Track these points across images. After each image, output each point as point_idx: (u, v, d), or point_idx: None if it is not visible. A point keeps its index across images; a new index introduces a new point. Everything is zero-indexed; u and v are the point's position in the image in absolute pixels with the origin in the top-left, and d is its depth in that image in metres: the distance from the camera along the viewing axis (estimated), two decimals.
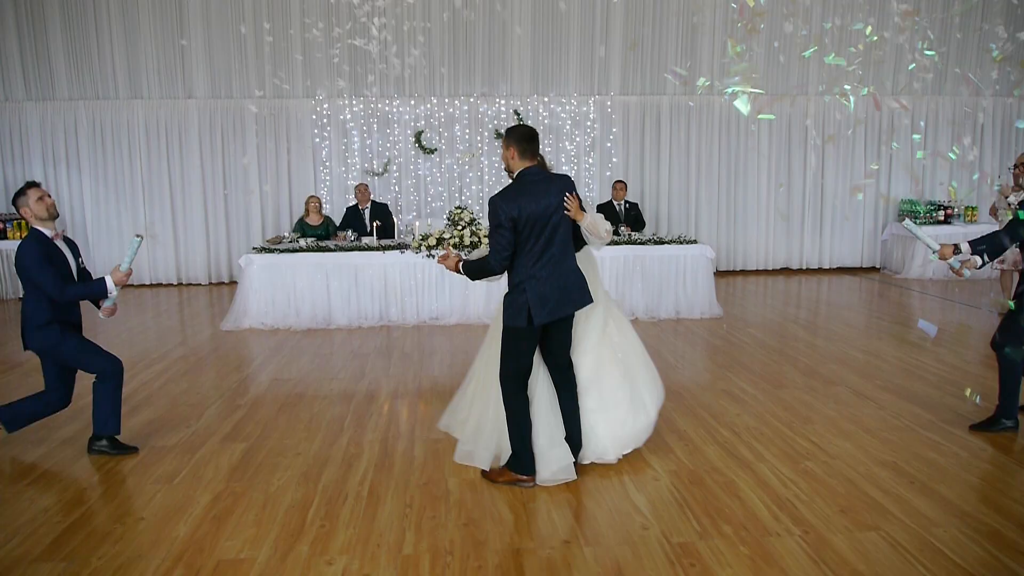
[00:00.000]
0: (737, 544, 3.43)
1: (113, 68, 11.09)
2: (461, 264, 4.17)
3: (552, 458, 4.07)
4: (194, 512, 3.86)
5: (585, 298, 4.10)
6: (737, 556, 3.33)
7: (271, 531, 3.64)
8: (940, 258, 4.67)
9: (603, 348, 4.34)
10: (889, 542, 3.43)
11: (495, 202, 3.91)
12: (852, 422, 5.02)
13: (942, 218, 11.25)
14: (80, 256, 4.72)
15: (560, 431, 4.15)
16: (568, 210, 3.99)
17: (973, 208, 11.49)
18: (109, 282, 4.51)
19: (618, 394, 4.30)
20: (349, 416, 5.33)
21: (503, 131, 10.62)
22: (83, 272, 4.70)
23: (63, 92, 11.13)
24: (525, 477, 4.05)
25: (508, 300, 3.99)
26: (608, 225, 4.15)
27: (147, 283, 11.53)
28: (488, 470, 4.21)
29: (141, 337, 8.16)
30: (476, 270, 4.13)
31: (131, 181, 11.29)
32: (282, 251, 8.37)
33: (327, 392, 5.92)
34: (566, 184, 4.07)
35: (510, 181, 4.06)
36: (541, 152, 4.22)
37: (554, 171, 4.31)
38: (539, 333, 4.03)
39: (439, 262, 4.31)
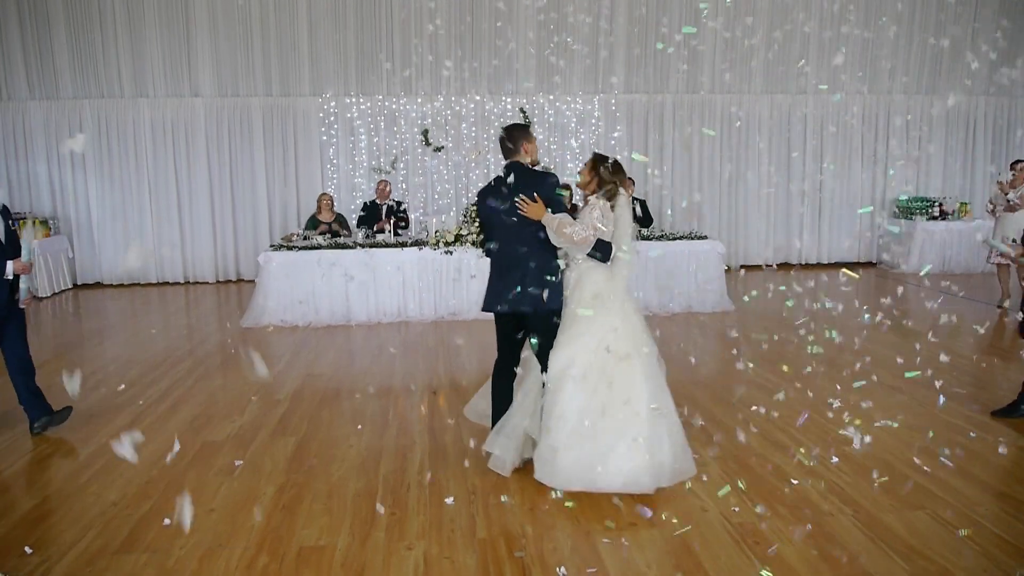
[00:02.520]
0: (794, 523, 3.61)
1: (118, 66, 11.10)
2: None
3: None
4: (263, 502, 3.97)
5: (530, 304, 4.08)
6: (798, 535, 3.50)
7: (344, 519, 3.76)
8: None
9: (581, 356, 3.97)
10: (936, 520, 3.63)
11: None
12: (879, 409, 5.21)
13: (937, 215, 11.54)
14: (10, 219, 4.99)
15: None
16: (522, 211, 4.03)
17: (966, 204, 11.81)
18: (9, 267, 4.81)
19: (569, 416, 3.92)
20: (391, 409, 5.46)
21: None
22: (12, 235, 4.95)
23: (67, 91, 11.11)
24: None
25: None
26: (578, 228, 3.96)
27: (153, 282, 11.54)
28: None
29: (162, 335, 8.22)
30: None
31: (137, 180, 11.30)
32: (300, 248, 8.46)
33: (363, 387, 6.03)
34: (536, 183, 4.06)
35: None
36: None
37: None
38: (505, 323, 4.30)
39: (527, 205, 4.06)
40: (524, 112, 11.44)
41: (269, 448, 4.76)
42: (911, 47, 12.10)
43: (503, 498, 3.92)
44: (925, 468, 4.20)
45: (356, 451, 4.67)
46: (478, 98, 11.47)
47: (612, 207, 4.10)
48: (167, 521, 3.76)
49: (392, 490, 4.09)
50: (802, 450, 4.50)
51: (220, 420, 5.32)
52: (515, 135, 4.22)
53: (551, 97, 11.52)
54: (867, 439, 4.65)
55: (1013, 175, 8.60)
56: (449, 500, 3.92)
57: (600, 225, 4.03)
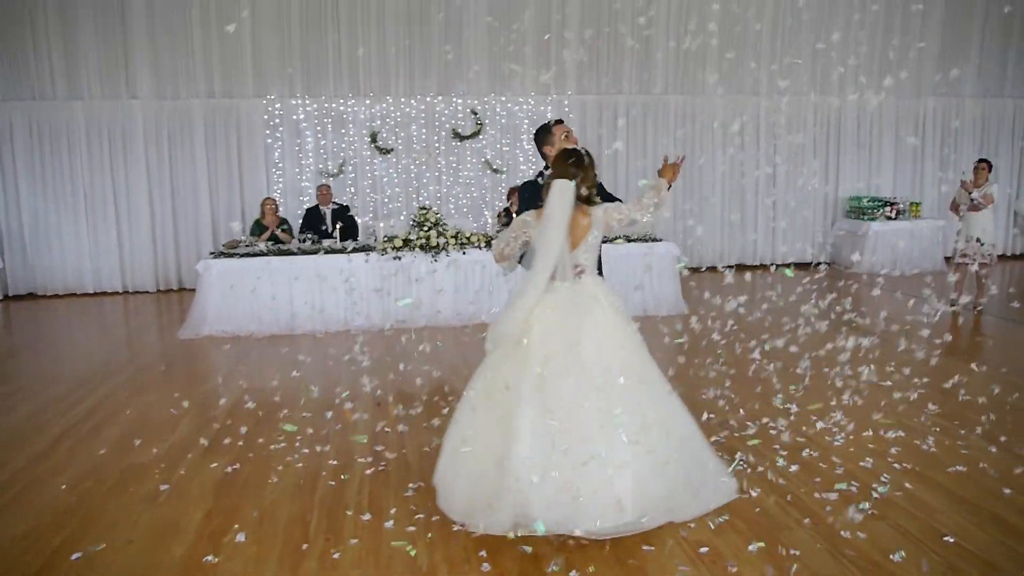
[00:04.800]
0: (752, 538, 3.43)
1: (50, 67, 10.57)
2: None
3: None
4: (187, 532, 3.67)
5: None
6: (755, 551, 3.32)
7: (273, 548, 3.49)
8: None
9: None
10: (899, 531, 3.48)
11: None
12: (840, 414, 5.09)
13: (892, 215, 11.60)
14: None
15: None
16: None
17: (917, 204, 11.90)
18: None
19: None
20: (332, 424, 5.18)
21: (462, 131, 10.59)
22: None
23: None
24: None
25: None
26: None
27: (90, 292, 11.04)
28: None
29: (95, 348, 7.82)
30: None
31: (72, 186, 10.79)
32: (242, 255, 8.12)
33: (304, 400, 5.73)
34: None
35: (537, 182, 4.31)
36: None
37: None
38: None
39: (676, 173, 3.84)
40: (476, 113, 11.22)
41: (199, 470, 4.45)
42: (860, 48, 12.16)
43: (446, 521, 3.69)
44: (884, 476, 4.07)
45: (291, 471, 4.39)
46: (428, 99, 11.21)
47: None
48: (77, 555, 3.45)
49: (328, 514, 3.82)
50: (759, 459, 4.34)
51: (149, 440, 4.97)
52: (537, 141, 4.31)
53: (503, 98, 11.31)
54: (826, 446, 4.53)
55: (976, 174, 8.62)
56: (389, 524, 3.67)
57: (503, 239, 3.76)
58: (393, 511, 3.80)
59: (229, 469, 4.43)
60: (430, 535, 3.55)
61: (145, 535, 3.66)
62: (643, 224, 3.70)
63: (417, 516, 3.74)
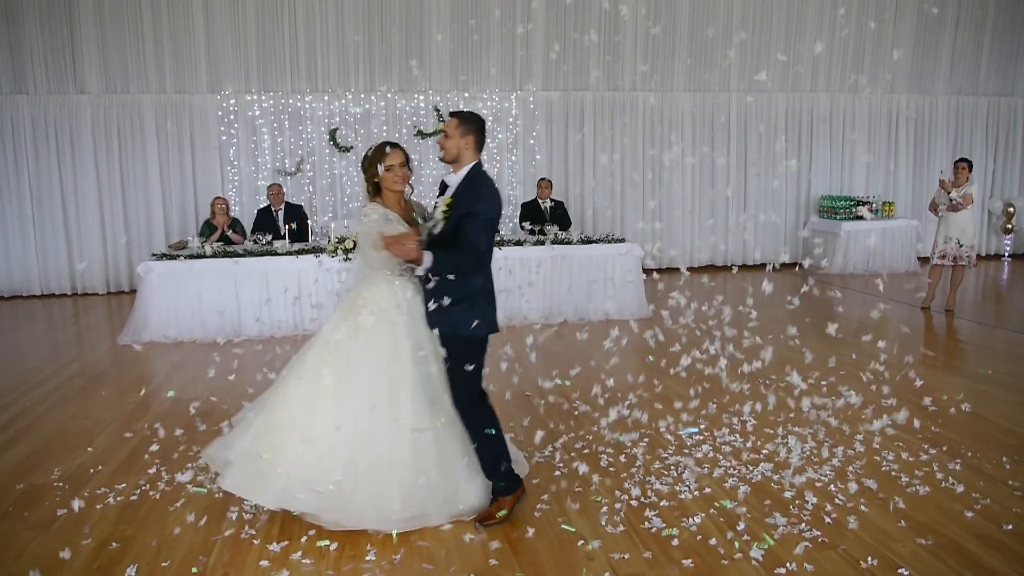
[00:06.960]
0: (690, 572, 3.13)
1: None
2: (425, 254, 3.33)
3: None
4: (73, 564, 3.33)
5: None
6: None
7: None
8: None
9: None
10: (850, 561, 3.20)
11: (482, 194, 3.44)
12: (799, 428, 4.82)
13: (862, 214, 11.38)
14: None
15: None
16: None
17: (890, 203, 11.69)
18: None
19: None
20: None
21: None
22: None
23: None
24: (519, 490, 3.67)
25: (474, 307, 3.44)
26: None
27: (37, 294, 10.61)
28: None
29: (29, 354, 7.43)
30: (448, 266, 3.37)
31: (17, 184, 10.35)
32: (185, 257, 7.75)
33: (236, 413, 5.36)
34: None
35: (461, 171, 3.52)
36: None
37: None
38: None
39: (390, 245, 3.33)
40: (438, 111, 10.89)
41: (104, 493, 4.08)
42: (833, 45, 11.95)
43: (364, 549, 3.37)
44: (839, 498, 3.79)
45: (205, 495, 4.04)
46: (389, 95, 10.86)
47: None
48: None
49: (233, 543, 3.49)
50: (708, 480, 4.05)
51: (59, 457, 4.62)
52: None
53: (466, 95, 10.99)
54: (779, 463, 4.25)
55: (956, 174, 8.39)
56: (296, 556, 3.34)
57: None
58: (305, 542, 3.47)
59: (137, 492, 4.08)
60: (329, 572, 3.23)
61: (26, 567, 3.31)
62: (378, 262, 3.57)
63: (321, 542, 3.41)
